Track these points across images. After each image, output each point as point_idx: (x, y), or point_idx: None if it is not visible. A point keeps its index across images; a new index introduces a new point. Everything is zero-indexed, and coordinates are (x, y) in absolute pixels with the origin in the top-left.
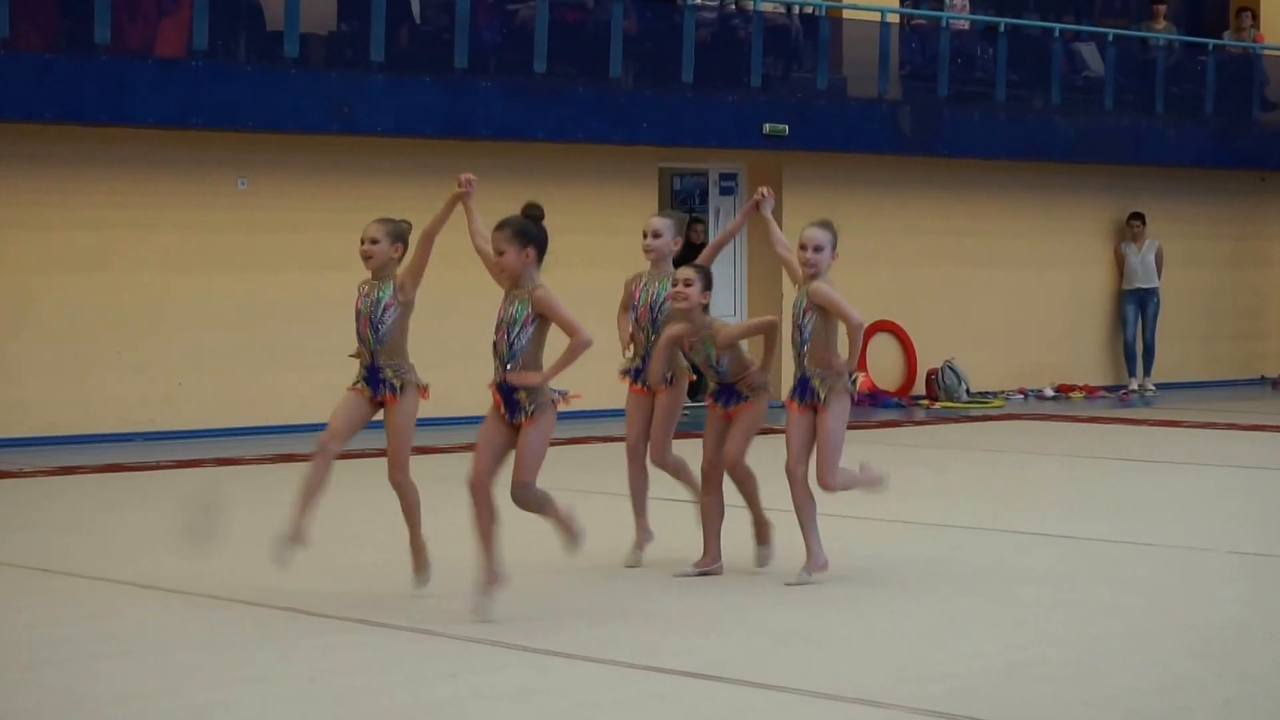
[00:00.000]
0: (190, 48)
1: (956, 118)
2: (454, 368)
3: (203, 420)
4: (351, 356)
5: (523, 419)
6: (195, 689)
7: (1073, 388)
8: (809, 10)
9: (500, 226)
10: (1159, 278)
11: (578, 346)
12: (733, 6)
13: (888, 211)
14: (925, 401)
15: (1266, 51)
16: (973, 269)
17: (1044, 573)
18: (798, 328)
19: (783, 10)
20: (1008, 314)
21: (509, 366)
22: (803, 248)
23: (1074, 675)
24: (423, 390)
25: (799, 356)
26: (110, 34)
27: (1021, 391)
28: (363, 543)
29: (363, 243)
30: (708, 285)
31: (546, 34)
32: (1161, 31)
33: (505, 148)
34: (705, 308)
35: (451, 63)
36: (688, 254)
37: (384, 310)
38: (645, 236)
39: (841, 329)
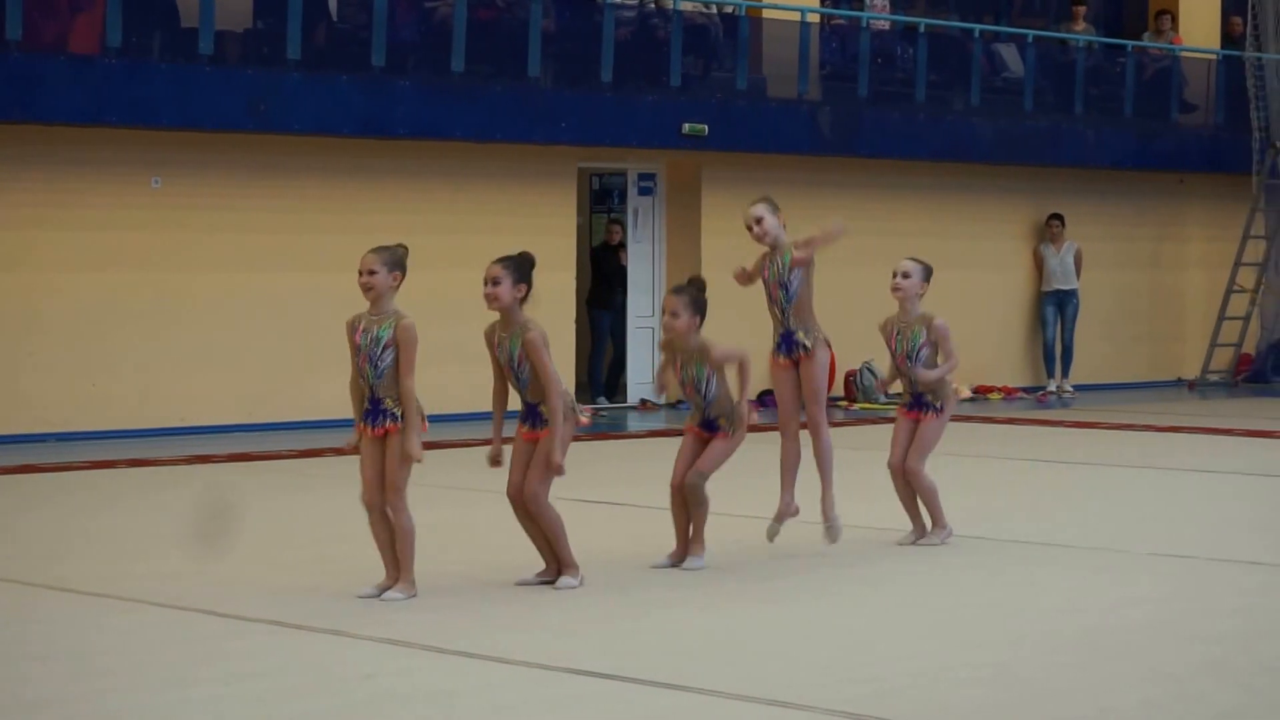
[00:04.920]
0: (104, 44)
1: (876, 118)
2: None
3: (117, 421)
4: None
5: (719, 433)
6: (111, 692)
7: (990, 389)
8: (729, 10)
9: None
10: (1078, 279)
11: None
12: (652, 6)
13: (807, 212)
14: (844, 403)
15: (1185, 54)
16: (891, 270)
17: (963, 574)
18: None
19: (702, 10)
20: None
21: (707, 409)
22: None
23: (993, 677)
24: (423, 423)
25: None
26: (22, 30)
27: None
28: (278, 544)
29: (360, 274)
30: (697, 311)
31: (465, 33)
32: (1081, 33)
33: (423, 147)
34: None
35: (369, 61)
36: (605, 255)
37: (383, 349)
38: (895, 276)
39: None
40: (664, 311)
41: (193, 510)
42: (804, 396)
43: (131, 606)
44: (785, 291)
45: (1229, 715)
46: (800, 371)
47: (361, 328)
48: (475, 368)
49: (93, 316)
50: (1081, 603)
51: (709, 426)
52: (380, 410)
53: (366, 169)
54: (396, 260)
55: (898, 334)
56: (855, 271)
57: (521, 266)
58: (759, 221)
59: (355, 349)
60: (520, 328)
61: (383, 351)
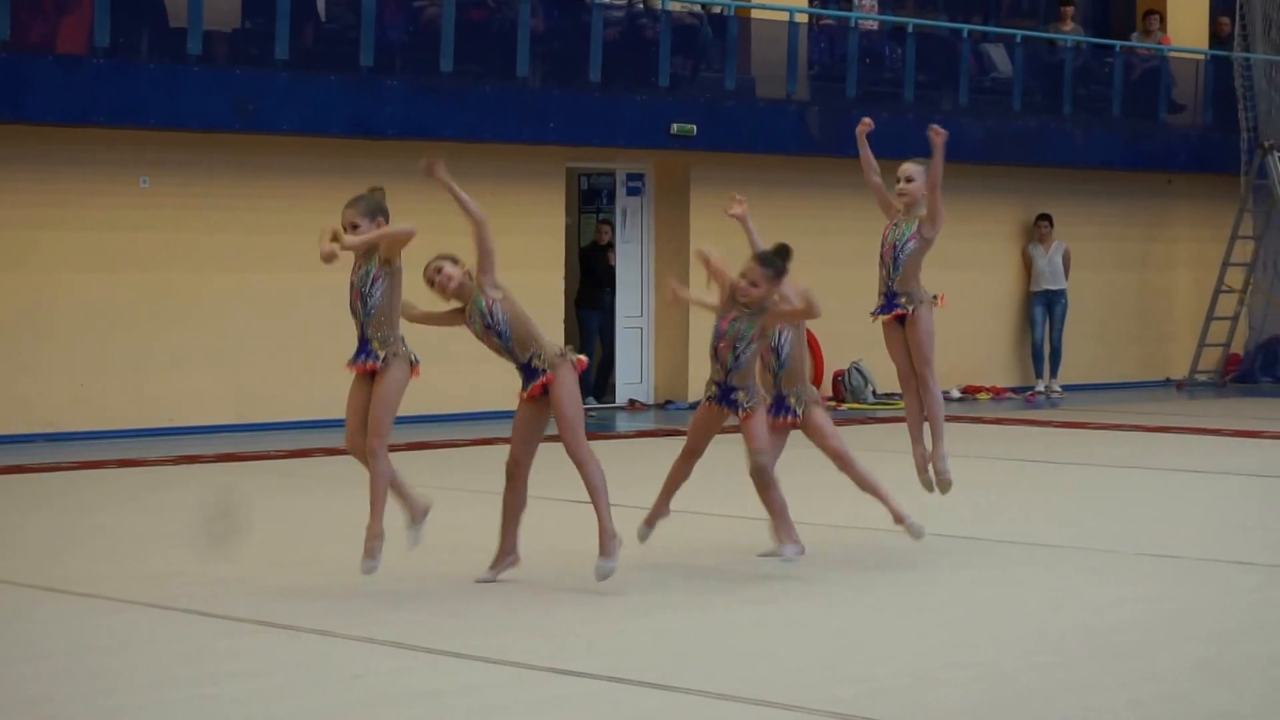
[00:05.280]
0: (92, 44)
1: (865, 118)
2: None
3: (106, 421)
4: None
5: (740, 413)
6: (102, 693)
7: (979, 389)
8: (717, 10)
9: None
10: (1066, 279)
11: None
12: (641, 6)
13: (795, 212)
14: (832, 403)
15: (1173, 54)
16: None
17: (951, 574)
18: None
19: (691, 10)
20: None
21: (730, 372)
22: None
23: (982, 677)
24: (415, 368)
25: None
26: (10, 30)
27: None
28: (268, 544)
29: (345, 229)
30: (777, 277)
31: (453, 33)
32: (1069, 33)
33: (411, 147)
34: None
35: (357, 61)
36: (593, 255)
37: (373, 283)
38: (899, 181)
39: None
40: (742, 276)
41: (199, 510)
42: (823, 440)
43: (122, 607)
44: (778, 357)
45: (1218, 715)
46: (807, 433)
47: (356, 265)
48: (470, 368)
49: (81, 316)
50: (1070, 603)
51: (726, 397)
52: (368, 350)
53: (355, 169)
54: (375, 206)
55: (894, 226)
56: (844, 272)
57: (452, 257)
58: (755, 285)
59: (350, 285)
60: (473, 287)
61: (372, 285)
